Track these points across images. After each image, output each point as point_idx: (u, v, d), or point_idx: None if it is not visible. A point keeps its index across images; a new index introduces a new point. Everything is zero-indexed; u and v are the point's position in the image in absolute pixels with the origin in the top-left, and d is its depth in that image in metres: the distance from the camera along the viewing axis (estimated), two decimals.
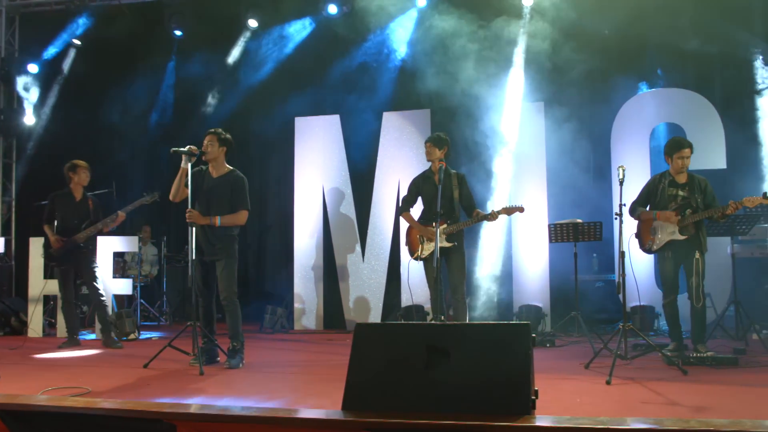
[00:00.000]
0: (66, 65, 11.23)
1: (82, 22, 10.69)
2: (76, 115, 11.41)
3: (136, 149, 11.82)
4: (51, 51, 11.13)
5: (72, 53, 11.17)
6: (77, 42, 10.91)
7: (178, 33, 10.69)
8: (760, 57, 8.60)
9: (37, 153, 11.56)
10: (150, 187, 7.97)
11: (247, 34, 10.70)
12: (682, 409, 4.17)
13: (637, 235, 6.54)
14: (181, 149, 6.04)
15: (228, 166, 6.36)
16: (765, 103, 8.60)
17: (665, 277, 6.39)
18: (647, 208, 6.47)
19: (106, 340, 7.68)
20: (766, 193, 5.91)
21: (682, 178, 6.34)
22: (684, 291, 6.31)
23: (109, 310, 7.91)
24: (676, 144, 6.36)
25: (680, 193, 6.29)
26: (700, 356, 5.78)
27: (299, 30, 10.41)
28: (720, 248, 7.76)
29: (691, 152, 6.31)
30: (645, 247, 6.49)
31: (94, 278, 7.78)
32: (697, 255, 6.10)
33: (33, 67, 11.15)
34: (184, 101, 11.21)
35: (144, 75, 11.23)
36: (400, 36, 9.52)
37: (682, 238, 6.19)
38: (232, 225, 6.21)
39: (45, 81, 11.31)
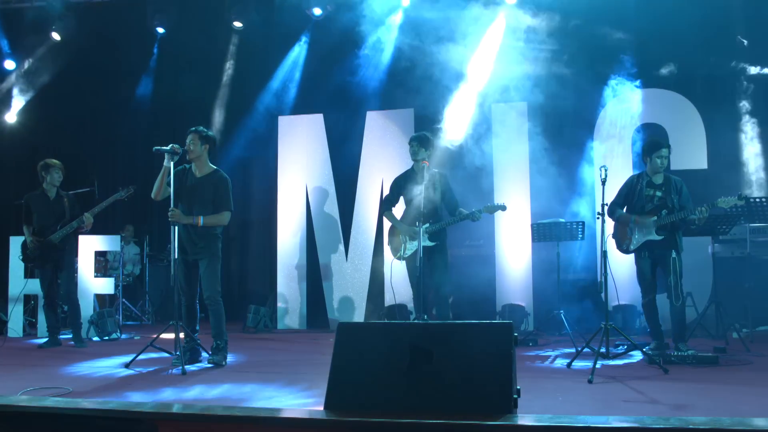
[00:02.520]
0: (44, 62, 11.12)
1: (58, 18, 10.58)
2: (55, 113, 11.33)
3: (118, 147, 11.74)
4: (29, 47, 11.02)
5: (51, 49, 11.05)
6: (56, 37, 10.79)
7: (160, 30, 10.63)
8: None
9: (16, 151, 11.47)
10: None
11: (232, 33, 10.67)
12: (663, 407, 4.21)
13: (614, 236, 6.60)
14: (164, 148, 6.00)
15: (212, 165, 6.33)
16: (746, 103, 8.68)
17: (643, 277, 6.46)
18: (624, 209, 6.54)
19: (75, 338, 7.69)
20: (740, 194, 5.99)
21: (658, 179, 6.41)
22: (663, 290, 6.36)
23: (79, 311, 7.88)
24: (654, 144, 6.43)
25: (657, 193, 6.37)
26: (681, 355, 5.83)
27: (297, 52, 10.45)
28: (700, 248, 7.82)
29: (669, 152, 6.38)
30: (622, 248, 6.55)
31: (71, 278, 7.74)
32: (674, 254, 6.17)
33: (10, 64, 11.05)
34: (166, 100, 11.14)
35: (125, 72, 11.17)
36: (383, 35, 9.51)
37: (658, 238, 6.26)
38: (214, 225, 6.19)
39: (22, 77, 11.21)
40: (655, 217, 6.25)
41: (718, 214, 6.91)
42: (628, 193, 6.52)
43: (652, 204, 6.36)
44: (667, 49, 8.79)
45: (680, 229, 6.36)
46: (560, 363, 5.97)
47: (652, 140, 6.56)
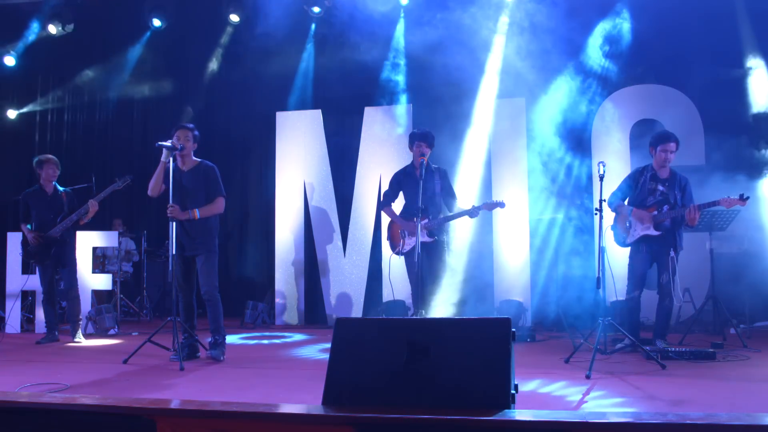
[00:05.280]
0: (41, 56, 11.08)
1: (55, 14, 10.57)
2: (53, 108, 11.31)
3: (115, 142, 11.72)
4: (26, 43, 10.99)
5: (47, 44, 11.00)
6: (53, 31, 10.75)
7: (156, 24, 10.60)
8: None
9: (13, 147, 11.45)
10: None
11: (229, 27, 10.65)
12: (661, 402, 4.21)
13: (614, 227, 6.57)
14: (165, 144, 6.01)
15: (195, 158, 6.34)
16: (744, 99, 8.67)
17: (635, 271, 6.40)
18: (626, 201, 6.50)
19: (74, 334, 7.71)
20: (742, 194, 5.92)
21: (664, 173, 6.36)
22: (652, 287, 6.36)
23: (80, 306, 7.88)
24: (662, 137, 6.34)
25: (660, 187, 6.32)
26: (679, 350, 5.83)
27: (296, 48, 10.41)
28: (699, 244, 7.83)
29: (677, 147, 6.32)
30: (619, 240, 6.52)
31: (73, 272, 7.75)
32: (672, 253, 6.13)
33: (9, 60, 11.03)
34: (162, 94, 11.13)
35: (121, 66, 11.13)
36: (382, 32, 9.50)
37: (656, 233, 6.22)
38: (211, 215, 6.19)
39: (21, 72, 11.19)
40: (656, 212, 6.22)
41: (717, 210, 6.91)
42: (632, 185, 6.47)
43: (654, 198, 6.31)
44: (665, 45, 8.78)
45: (680, 227, 6.32)
46: (558, 358, 5.97)
47: (661, 132, 6.47)
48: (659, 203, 6.26)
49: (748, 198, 5.93)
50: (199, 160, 6.34)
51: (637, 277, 6.37)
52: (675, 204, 6.21)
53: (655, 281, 6.38)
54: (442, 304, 6.67)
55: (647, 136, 6.83)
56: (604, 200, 5.79)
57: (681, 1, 8.50)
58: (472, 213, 6.57)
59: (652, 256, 6.33)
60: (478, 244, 8.96)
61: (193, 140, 6.25)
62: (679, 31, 8.63)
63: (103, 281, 8.79)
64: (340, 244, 9.39)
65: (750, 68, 8.66)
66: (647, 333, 6.70)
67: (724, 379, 5.01)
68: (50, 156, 7.77)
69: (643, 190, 6.35)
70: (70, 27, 10.73)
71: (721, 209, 6.90)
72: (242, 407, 3.14)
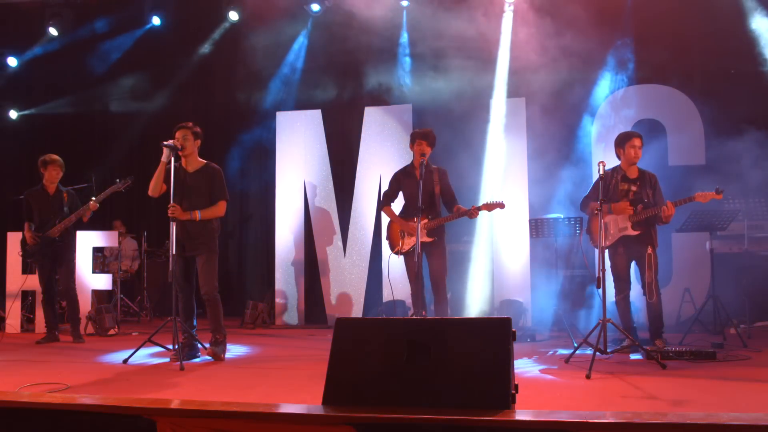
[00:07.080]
0: (42, 57, 11.08)
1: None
2: (53, 108, 11.32)
3: (115, 143, 11.72)
4: (29, 45, 11.01)
5: (48, 44, 11.01)
6: (54, 32, 10.75)
7: (156, 22, 10.59)
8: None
9: (14, 147, 11.45)
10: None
11: (228, 25, 10.64)
12: (661, 402, 4.21)
13: (588, 231, 6.60)
14: (168, 143, 6.01)
15: (200, 159, 6.33)
16: (744, 98, 8.65)
17: (618, 273, 6.43)
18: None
19: (74, 334, 7.72)
20: (718, 188, 5.94)
21: (633, 173, 6.43)
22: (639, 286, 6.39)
23: (78, 306, 7.88)
24: (627, 135, 6.47)
25: (632, 188, 6.36)
26: (679, 351, 5.83)
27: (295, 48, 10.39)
28: (699, 244, 7.83)
29: (642, 143, 6.37)
30: (596, 243, 6.52)
31: (70, 273, 7.75)
32: (650, 250, 6.17)
33: (12, 61, 11.04)
34: (163, 93, 11.12)
35: (121, 65, 11.12)
36: (382, 31, 9.50)
37: (634, 233, 6.25)
38: (212, 218, 6.19)
39: (23, 74, 11.20)
40: (631, 208, 6.26)
41: (717, 209, 6.91)
42: (603, 187, 6.48)
43: (628, 199, 6.35)
44: (665, 45, 8.78)
45: (655, 225, 6.35)
46: (558, 358, 5.97)
47: (624, 132, 6.62)
48: (633, 203, 6.30)
49: (722, 191, 5.96)
50: (204, 161, 6.34)
51: (621, 276, 6.43)
52: (648, 202, 6.25)
53: (639, 280, 6.42)
54: (442, 304, 6.65)
55: (648, 135, 6.84)
56: (605, 200, 5.79)
57: (683, 1, 8.49)
58: (471, 214, 6.55)
59: (631, 255, 6.39)
60: (477, 244, 8.96)
61: (194, 138, 6.23)
62: (680, 31, 8.62)
63: (103, 281, 8.79)
64: (340, 244, 9.39)
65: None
66: (646, 333, 6.70)
67: (724, 379, 5.01)
68: (55, 156, 7.76)
69: (615, 192, 6.39)
70: (70, 27, 10.75)
71: (721, 209, 6.91)
72: (242, 407, 3.14)
